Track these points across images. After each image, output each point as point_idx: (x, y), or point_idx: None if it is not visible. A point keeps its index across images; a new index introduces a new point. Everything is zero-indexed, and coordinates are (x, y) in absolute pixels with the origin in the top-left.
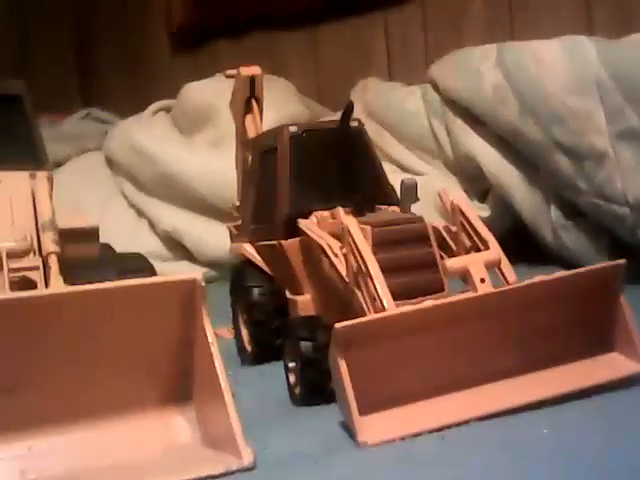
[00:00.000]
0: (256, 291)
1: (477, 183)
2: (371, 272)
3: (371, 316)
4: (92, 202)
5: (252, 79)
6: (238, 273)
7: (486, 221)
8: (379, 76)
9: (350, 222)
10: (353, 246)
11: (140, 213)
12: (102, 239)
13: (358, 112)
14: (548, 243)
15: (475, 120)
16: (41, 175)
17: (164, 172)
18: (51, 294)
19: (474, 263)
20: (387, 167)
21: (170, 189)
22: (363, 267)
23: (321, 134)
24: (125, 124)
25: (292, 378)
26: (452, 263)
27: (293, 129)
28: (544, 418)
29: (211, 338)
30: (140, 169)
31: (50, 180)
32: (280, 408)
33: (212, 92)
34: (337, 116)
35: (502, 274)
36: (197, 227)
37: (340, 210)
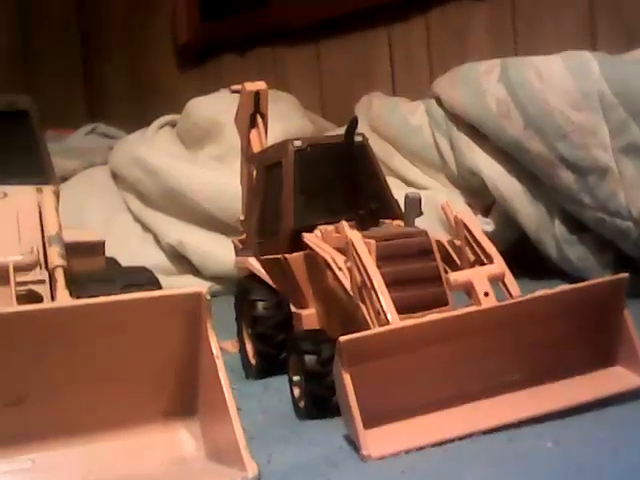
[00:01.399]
0: (261, 305)
1: (481, 197)
2: (375, 286)
3: (375, 330)
4: (97, 216)
5: (257, 94)
6: (243, 287)
7: (490, 235)
8: (383, 91)
9: (354, 236)
10: (357, 260)
11: (145, 227)
12: (107, 253)
13: (362, 127)
14: (552, 257)
15: (479, 135)
16: (47, 189)
17: (169, 187)
18: (57, 307)
19: (478, 277)
20: (391, 181)
21: (175, 203)
22: (367, 281)
23: (325, 149)
24: (130, 139)
25: (296, 392)
26: (456, 277)
27: (297, 144)
28: (548, 432)
29: (216, 352)
30: (145, 183)
31: (57, 194)
32: (284, 422)
33: (217, 107)
34: (341, 131)
35: (506, 288)
36: (202, 241)
37: (344, 224)
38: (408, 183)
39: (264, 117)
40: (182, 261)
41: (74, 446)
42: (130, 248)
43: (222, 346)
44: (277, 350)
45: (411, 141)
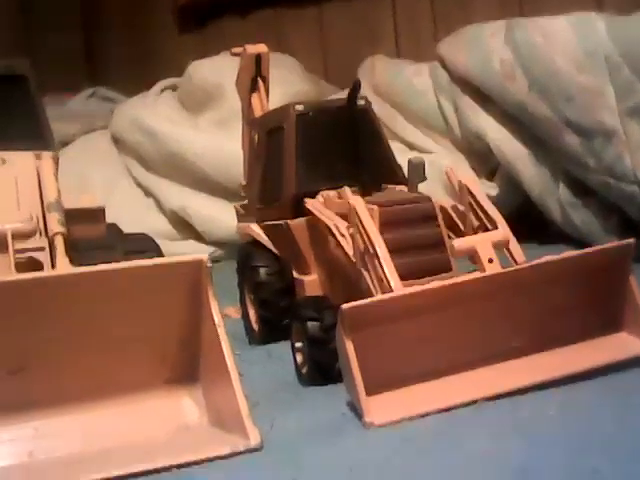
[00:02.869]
0: (263, 271)
1: (485, 161)
2: (378, 253)
3: (378, 297)
4: (99, 181)
5: (258, 57)
6: (245, 253)
7: (494, 199)
8: (387, 53)
9: (357, 202)
10: (360, 226)
11: (147, 192)
12: (109, 218)
13: (365, 90)
14: (556, 221)
15: (483, 98)
16: (46, 155)
17: (170, 151)
18: (57, 275)
19: (482, 243)
20: (395, 146)
21: (177, 168)
22: (370, 248)
23: (328, 113)
24: (131, 103)
25: (299, 358)
26: (459, 243)
27: (299, 108)
28: (551, 399)
29: (217, 319)
30: (146, 148)
31: (56, 160)
32: (287, 388)
33: (218, 70)
34: (344, 94)
35: (510, 254)
36: (204, 206)
37: (347, 190)
38: (412, 147)
39: (265, 80)
40: (185, 226)
41: (76, 414)
42: (132, 213)
43: (225, 312)
44: (280, 316)
45: (415, 104)
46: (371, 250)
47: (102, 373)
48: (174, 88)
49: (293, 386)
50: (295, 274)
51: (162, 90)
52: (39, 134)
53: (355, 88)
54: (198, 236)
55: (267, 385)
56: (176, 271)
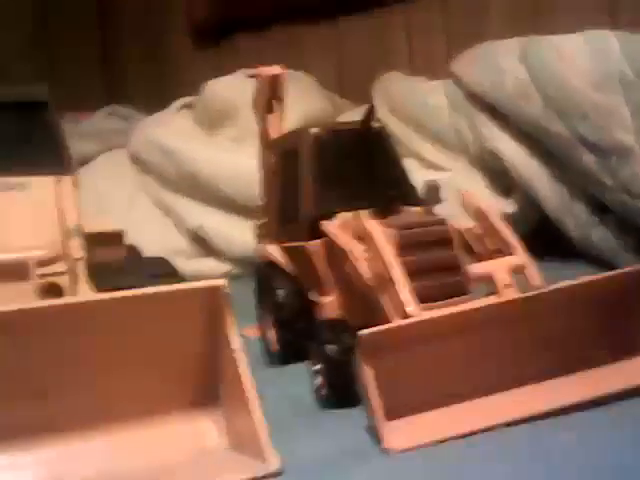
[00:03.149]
0: (281, 292)
1: (502, 179)
2: (395, 278)
3: (396, 323)
4: (117, 200)
5: (273, 79)
6: (263, 274)
7: (512, 217)
8: (401, 70)
9: (373, 226)
10: (376, 251)
11: (166, 211)
12: (129, 236)
13: (381, 108)
14: (574, 240)
15: (498, 115)
16: (66, 180)
17: (187, 170)
18: (78, 302)
19: (498, 269)
20: (412, 163)
21: (194, 187)
22: (387, 272)
23: (342, 136)
24: (148, 122)
25: (318, 381)
26: (476, 269)
27: (314, 131)
28: (568, 426)
29: (236, 345)
30: (164, 167)
31: (76, 184)
32: (307, 411)
33: (234, 89)
34: (359, 112)
35: (528, 279)
36: (222, 224)
37: (363, 213)
38: (428, 165)
39: (281, 102)
40: (203, 244)
41: (98, 437)
42: (151, 232)
43: (244, 332)
44: (299, 337)
45: (430, 122)
46: (388, 275)
47: (123, 397)
48: (190, 106)
49: (312, 409)
50: (313, 295)
51: (179, 109)
52: (59, 158)
53: (369, 112)
54: (217, 254)
55: (286, 408)
56: (194, 296)
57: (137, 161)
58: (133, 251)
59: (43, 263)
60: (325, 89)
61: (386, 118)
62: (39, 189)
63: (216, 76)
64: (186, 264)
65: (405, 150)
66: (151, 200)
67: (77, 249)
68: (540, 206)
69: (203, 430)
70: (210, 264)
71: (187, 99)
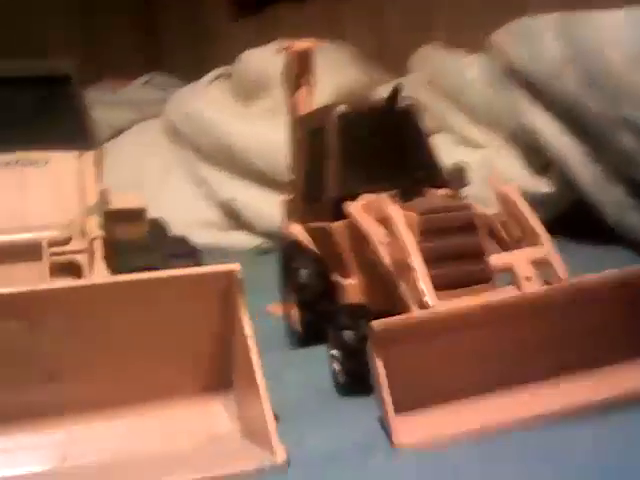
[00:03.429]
0: (304, 273)
1: (538, 156)
2: (414, 265)
3: (408, 315)
4: (152, 170)
5: (303, 53)
6: (287, 253)
7: (547, 197)
8: (441, 40)
9: (394, 210)
10: (396, 236)
11: (199, 183)
12: (161, 207)
13: (419, 81)
14: (611, 222)
15: (536, 92)
16: (88, 156)
17: (221, 142)
18: (93, 284)
19: (520, 260)
20: (445, 138)
21: (228, 159)
22: (406, 259)
23: (370, 114)
24: (184, 92)
25: (336, 366)
26: (497, 260)
27: (341, 109)
28: (584, 426)
29: (248, 331)
30: (198, 138)
31: (99, 159)
32: (322, 397)
33: (269, 60)
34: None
35: (552, 270)
36: (254, 198)
37: (385, 197)
38: (463, 140)
39: (311, 77)
40: (235, 217)
41: (109, 420)
42: (184, 203)
43: (270, 308)
44: (321, 319)
45: (467, 96)
46: (407, 261)
47: (136, 380)
48: (227, 76)
49: (328, 395)
50: (336, 277)
51: (214, 79)
52: (82, 134)
53: (395, 92)
54: (248, 227)
55: (302, 392)
56: (208, 281)
57: (171, 132)
58: (157, 226)
59: (56, 243)
60: (364, 60)
61: (422, 91)
62: (60, 165)
63: (255, 46)
64: (218, 236)
65: (439, 125)
66: (185, 171)
67: (94, 228)
68: (576, 186)
69: (215, 415)
70: (241, 237)
71: (223, 69)
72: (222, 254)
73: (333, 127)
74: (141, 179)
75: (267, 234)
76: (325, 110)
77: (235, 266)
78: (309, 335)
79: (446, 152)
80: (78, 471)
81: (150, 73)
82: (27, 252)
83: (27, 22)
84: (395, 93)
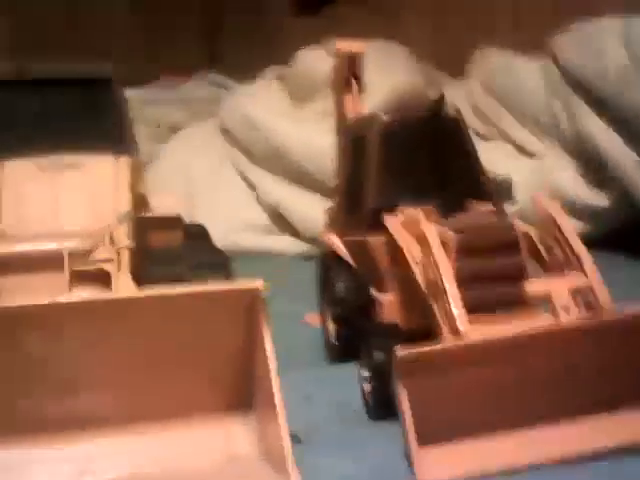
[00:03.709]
0: (342, 286)
1: (596, 168)
2: (446, 288)
3: (434, 345)
4: (203, 170)
5: (352, 57)
6: (325, 265)
7: (603, 211)
8: (502, 42)
9: (428, 229)
10: (430, 256)
11: (248, 185)
12: (210, 208)
13: (474, 84)
14: None
15: (597, 100)
16: (124, 162)
17: (272, 145)
18: (112, 299)
19: (558, 289)
20: (499, 145)
21: (278, 162)
22: (439, 281)
23: (414, 124)
24: (238, 93)
25: (365, 387)
26: (535, 287)
27: (385, 118)
28: (619, 469)
29: (269, 351)
30: (250, 140)
31: (136, 165)
32: (350, 420)
33: (325, 60)
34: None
35: (593, 299)
36: (303, 203)
37: (422, 213)
38: (519, 148)
39: (359, 81)
40: (282, 220)
41: (128, 436)
42: (232, 205)
43: (308, 319)
44: (357, 334)
45: (524, 102)
46: (440, 284)
47: (154, 396)
48: (282, 77)
49: (356, 417)
50: (373, 291)
51: (270, 79)
52: (120, 138)
53: (439, 102)
54: (295, 232)
55: (330, 412)
56: (231, 298)
57: (225, 132)
58: (196, 233)
59: (79, 253)
60: (422, 61)
61: (478, 96)
62: (95, 169)
63: (314, 45)
64: (263, 240)
65: (493, 131)
66: (234, 174)
67: (123, 237)
68: (635, 200)
69: (235, 435)
70: (287, 242)
71: (278, 69)
72: (267, 259)
73: (375, 136)
74: (191, 181)
75: (313, 240)
76: (369, 118)
77: (258, 284)
78: (345, 350)
79: (498, 161)
80: None
81: (208, 71)
82: (49, 262)
83: (91, 22)
84: (439, 103)
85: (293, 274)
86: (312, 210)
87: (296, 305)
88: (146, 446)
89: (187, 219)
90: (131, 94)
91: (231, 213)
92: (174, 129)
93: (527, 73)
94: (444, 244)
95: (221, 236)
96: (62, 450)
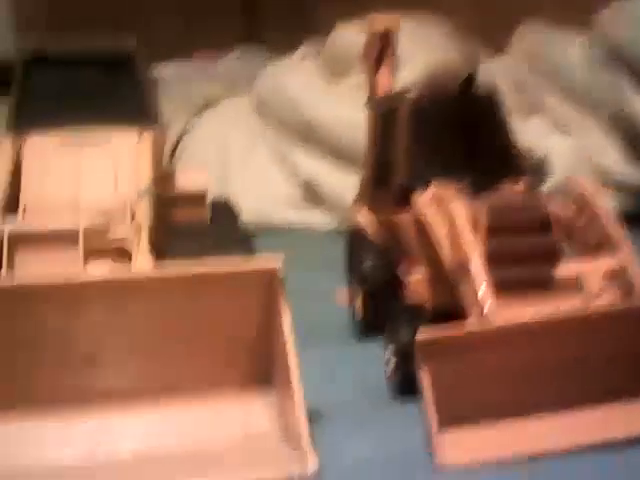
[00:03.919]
0: (368, 264)
1: (638, 146)
2: (473, 268)
3: (456, 328)
4: (237, 146)
5: (385, 33)
6: (352, 241)
7: None
8: (545, 19)
9: (457, 207)
10: (458, 235)
11: (282, 159)
12: (243, 182)
13: (516, 60)
14: None
15: None
16: (147, 137)
17: (306, 119)
18: (127, 278)
19: (590, 273)
20: (540, 123)
21: (312, 137)
22: (466, 260)
23: (446, 100)
24: (274, 67)
25: (391, 366)
26: (564, 270)
27: (414, 95)
28: None
29: (287, 331)
30: (285, 115)
31: (159, 139)
32: (373, 400)
33: (360, 35)
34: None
35: (628, 282)
36: (336, 177)
37: (450, 192)
38: (559, 125)
39: (393, 57)
40: (316, 196)
41: (145, 412)
42: (266, 180)
43: (338, 295)
44: (384, 312)
45: (567, 78)
46: (467, 264)
47: (172, 372)
48: (317, 52)
49: (379, 397)
50: (401, 269)
51: (305, 54)
52: (144, 114)
53: (469, 80)
54: (328, 207)
55: (353, 391)
56: (250, 278)
57: (260, 107)
58: (223, 208)
59: (94, 232)
60: (461, 36)
61: (520, 71)
62: (119, 145)
63: (351, 20)
64: (297, 215)
65: (535, 108)
66: (268, 148)
67: (143, 213)
68: None
69: (254, 413)
70: (320, 217)
71: (315, 44)
72: (300, 234)
73: (405, 112)
74: (225, 155)
75: (345, 215)
76: (399, 94)
77: (277, 262)
78: (371, 328)
79: (539, 138)
80: (109, 460)
81: (243, 47)
82: (65, 238)
83: None
84: (470, 78)
85: (325, 249)
86: (345, 185)
87: (326, 281)
88: (163, 420)
89: (219, 194)
90: (167, 70)
91: (264, 188)
92: (210, 104)
93: (572, 48)
94: (474, 223)
95: (253, 211)
96: (78, 423)
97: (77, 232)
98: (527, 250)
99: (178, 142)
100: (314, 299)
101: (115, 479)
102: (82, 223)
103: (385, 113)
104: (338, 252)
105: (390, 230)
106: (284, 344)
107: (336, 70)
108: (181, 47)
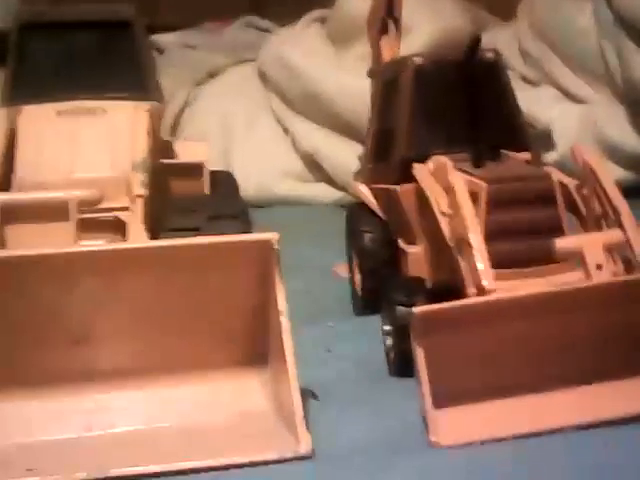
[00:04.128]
0: (368, 237)
1: None
2: (472, 241)
3: (453, 302)
4: (240, 116)
5: None
6: (352, 215)
7: None
8: None
9: (456, 179)
10: (457, 208)
11: (284, 131)
12: (245, 154)
13: (522, 27)
14: None
15: None
16: (143, 107)
17: (310, 89)
18: (120, 249)
19: (590, 245)
20: (548, 91)
21: (314, 108)
22: (465, 233)
23: (449, 68)
24: (278, 36)
25: (388, 342)
26: (563, 244)
27: (418, 61)
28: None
29: (282, 307)
30: (288, 85)
31: (156, 110)
32: (370, 376)
33: (366, 3)
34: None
35: (631, 255)
36: (338, 150)
37: (451, 163)
38: (567, 94)
39: (398, 22)
40: (318, 168)
41: (139, 389)
42: (269, 151)
43: (336, 269)
44: (383, 287)
45: (573, 45)
46: (466, 238)
47: (169, 349)
48: (323, 20)
49: (377, 373)
50: (400, 242)
51: (311, 22)
52: (142, 84)
53: (472, 44)
54: (330, 179)
55: (350, 368)
56: (244, 249)
57: (264, 77)
58: (222, 181)
59: (88, 202)
60: (467, 3)
61: (527, 39)
62: (115, 115)
63: None
64: (298, 188)
65: (541, 75)
66: (270, 120)
67: (138, 185)
68: None
69: (250, 391)
70: (322, 190)
71: (319, 12)
72: (302, 206)
73: (407, 80)
74: (227, 124)
75: (347, 187)
76: (401, 61)
77: (272, 235)
78: (371, 303)
79: (545, 106)
80: (103, 440)
81: (250, 15)
82: (57, 210)
83: None
84: (474, 45)
85: (327, 222)
86: (348, 157)
87: (327, 255)
88: (159, 399)
89: (221, 165)
90: (172, 38)
91: (266, 160)
92: (214, 73)
93: (578, 14)
94: (474, 195)
95: (255, 183)
96: (74, 402)
97: (70, 202)
98: (529, 224)
99: (180, 113)
100: (313, 273)
101: (111, 457)
102: (75, 194)
103: (389, 80)
104: (339, 225)
105: (391, 203)
106: (279, 319)
107: (341, 38)
108: (187, 18)
